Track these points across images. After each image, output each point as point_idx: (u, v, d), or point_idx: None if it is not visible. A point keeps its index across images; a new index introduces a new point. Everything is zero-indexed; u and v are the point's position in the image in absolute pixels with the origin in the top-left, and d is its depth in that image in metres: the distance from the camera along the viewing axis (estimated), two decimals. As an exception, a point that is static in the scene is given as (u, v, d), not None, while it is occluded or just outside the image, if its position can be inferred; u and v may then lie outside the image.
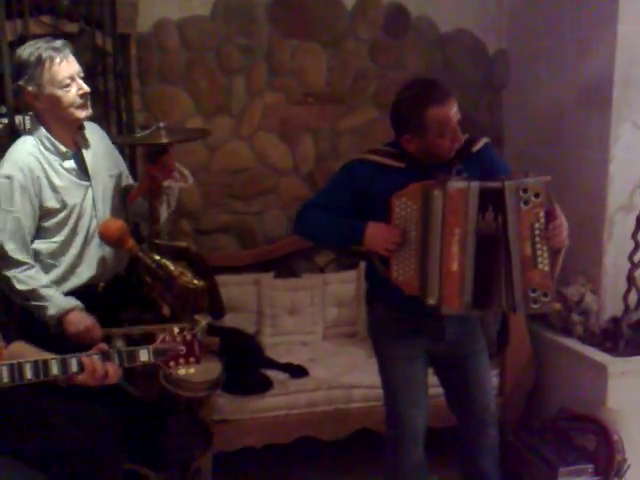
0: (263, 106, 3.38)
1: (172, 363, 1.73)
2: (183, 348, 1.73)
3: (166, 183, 2.16)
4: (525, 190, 1.87)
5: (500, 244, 1.91)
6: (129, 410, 2.04)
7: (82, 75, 2.13)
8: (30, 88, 2.05)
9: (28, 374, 1.58)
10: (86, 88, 2.12)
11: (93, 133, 2.26)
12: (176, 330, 1.74)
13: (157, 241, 2.10)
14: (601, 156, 2.82)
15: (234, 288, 3.17)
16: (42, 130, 2.12)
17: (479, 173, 1.98)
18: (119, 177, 2.31)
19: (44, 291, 2.03)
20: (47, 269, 2.10)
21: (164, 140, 2.05)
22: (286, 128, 3.42)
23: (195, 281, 2.03)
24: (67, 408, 1.87)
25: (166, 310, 1.87)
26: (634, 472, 2.51)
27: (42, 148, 2.10)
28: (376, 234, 1.98)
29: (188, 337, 1.75)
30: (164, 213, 2.22)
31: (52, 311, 2.02)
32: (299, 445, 2.75)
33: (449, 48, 3.54)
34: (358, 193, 2.07)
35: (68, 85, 2.06)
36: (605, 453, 2.50)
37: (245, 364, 2.78)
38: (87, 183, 2.17)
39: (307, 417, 2.73)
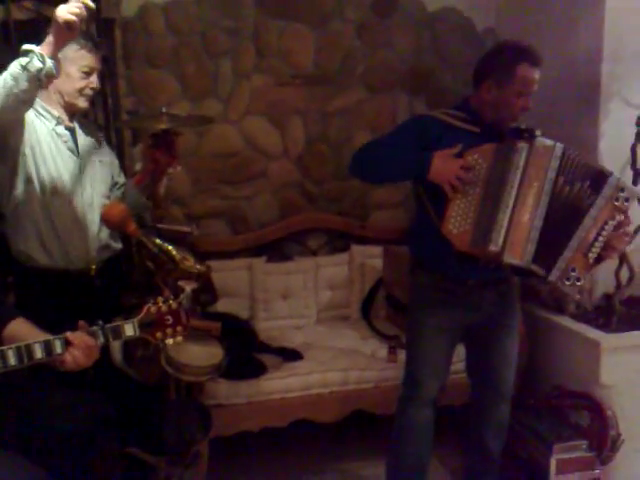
0: (251, 89, 3.35)
1: (159, 334, 1.69)
2: (169, 317, 1.69)
3: (170, 170, 2.18)
4: (623, 190, 2.02)
5: (569, 214, 1.99)
6: (128, 395, 2.03)
7: (97, 77, 2.17)
8: None
9: (12, 360, 1.55)
10: (97, 86, 2.18)
11: (87, 126, 2.27)
12: (161, 300, 1.70)
13: (159, 225, 2.09)
14: (591, 132, 2.81)
15: (227, 273, 3.16)
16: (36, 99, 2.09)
17: None
18: (109, 166, 2.29)
19: None
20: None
21: (167, 125, 2.05)
22: (275, 111, 3.39)
23: (198, 266, 2.02)
24: (56, 396, 1.85)
25: (168, 294, 1.84)
26: (628, 447, 2.53)
27: (33, 115, 2.07)
28: (445, 163, 1.99)
29: (174, 306, 1.71)
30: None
31: None
32: (295, 428, 2.76)
33: (437, 27, 3.52)
34: (425, 147, 2.06)
35: (86, 74, 2.11)
36: (599, 429, 2.51)
37: (239, 349, 2.77)
38: (76, 158, 2.15)
39: (303, 400, 2.73)
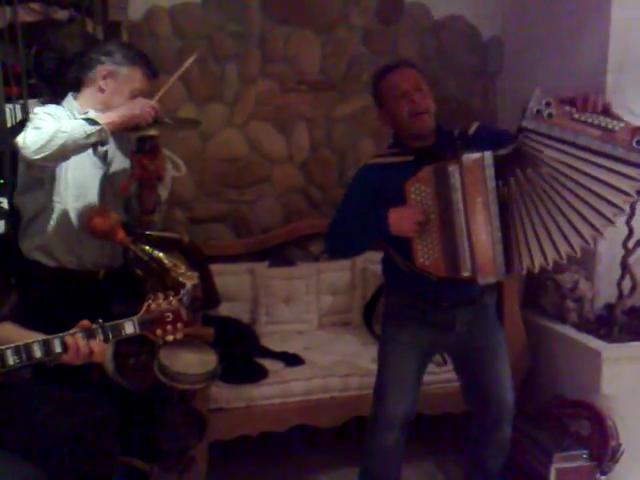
0: (256, 94, 3.36)
1: (159, 331, 1.67)
2: (169, 314, 1.68)
3: (176, 173, 2.22)
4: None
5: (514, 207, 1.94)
6: (122, 402, 2.03)
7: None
8: (108, 66, 2.13)
9: (10, 360, 1.55)
10: None
11: (119, 137, 2.27)
12: (161, 297, 1.69)
13: (149, 232, 2.07)
14: (596, 143, 2.81)
15: (229, 277, 3.16)
16: (73, 102, 2.16)
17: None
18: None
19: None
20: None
21: (152, 132, 2.02)
22: (280, 116, 3.40)
23: (189, 273, 2.00)
24: (59, 397, 1.85)
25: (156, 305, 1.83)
26: (628, 457, 2.53)
27: (67, 119, 2.09)
28: (400, 217, 1.99)
29: (174, 303, 1.69)
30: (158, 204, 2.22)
31: None
32: (295, 433, 2.76)
33: (443, 35, 3.53)
34: (373, 196, 2.10)
35: (134, 95, 2.13)
36: (599, 439, 2.51)
37: (240, 353, 2.77)
38: (102, 166, 2.18)
39: (303, 405, 2.73)
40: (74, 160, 2.06)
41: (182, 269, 2.01)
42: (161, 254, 2.00)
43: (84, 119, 1.91)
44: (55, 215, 2.11)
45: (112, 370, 2.02)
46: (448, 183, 1.93)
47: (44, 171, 2.06)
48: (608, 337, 2.70)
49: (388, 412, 2.21)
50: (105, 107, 2.10)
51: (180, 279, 1.98)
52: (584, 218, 1.89)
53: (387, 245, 2.16)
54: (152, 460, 2.09)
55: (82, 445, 1.77)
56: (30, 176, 2.10)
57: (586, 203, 1.87)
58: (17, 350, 1.56)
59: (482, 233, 1.94)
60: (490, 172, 1.92)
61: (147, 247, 2.01)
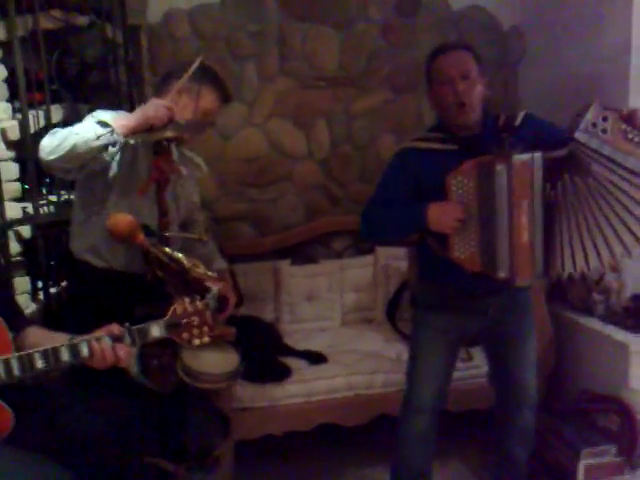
0: (275, 92, 3.37)
1: (185, 335, 1.69)
2: (195, 318, 1.70)
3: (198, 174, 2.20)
4: None
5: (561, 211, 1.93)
6: (147, 403, 2.05)
7: (210, 122, 2.20)
8: (184, 81, 2.09)
9: (39, 363, 1.58)
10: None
11: (184, 156, 2.29)
12: (187, 300, 1.71)
13: (167, 234, 2.08)
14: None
15: (251, 276, 3.18)
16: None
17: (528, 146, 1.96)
18: (180, 199, 2.30)
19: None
20: None
21: (169, 133, 2.02)
22: (299, 113, 3.40)
23: (209, 272, 2.02)
24: (88, 399, 1.87)
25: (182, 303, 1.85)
26: (658, 452, 2.49)
27: None
28: (440, 213, 1.97)
29: (200, 306, 1.71)
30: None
31: None
32: (320, 432, 2.76)
33: (462, 25, 3.49)
34: (413, 181, 2.07)
35: (203, 114, 2.12)
36: (629, 433, 2.48)
37: (264, 352, 2.79)
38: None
39: (327, 404, 2.73)
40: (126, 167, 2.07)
41: (202, 268, 2.02)
42: (180, 255, 2.01)
43: (97, 121, 1.92)
44: (103, 218, 2.10)
45: (137, 372, 2.05)
46: (493, 181, 1.90)
47: (96, 178, 2.07)
48: (636, 329, 2.65)
49: (419, 396, 2.22)
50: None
51: (203, 281, 2.00)
52: (618, 235, 1.89)
53: (425, 232, 2.10)
54: (178, 461, 2.11)
55: (108, 446, 1.80)
56: (81, 180, 2.12)
57: (622, 222, 1.87)
58: (45, 354, 1.59)
59: (524, 235, 1.91)
60: (538, 174, 1.90)
61: (167, 249, 2.02)
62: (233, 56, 3.30)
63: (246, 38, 3.29)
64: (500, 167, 1.88)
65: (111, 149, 1.90)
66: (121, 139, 1.91)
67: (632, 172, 1.84)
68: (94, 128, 1.89)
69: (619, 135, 1.85)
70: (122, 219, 2.00)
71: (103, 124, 1.90)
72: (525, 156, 1.89)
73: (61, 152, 1.89)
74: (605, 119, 1.84)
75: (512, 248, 1.91)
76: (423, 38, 3.44)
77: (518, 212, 1.90)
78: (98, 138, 1.88)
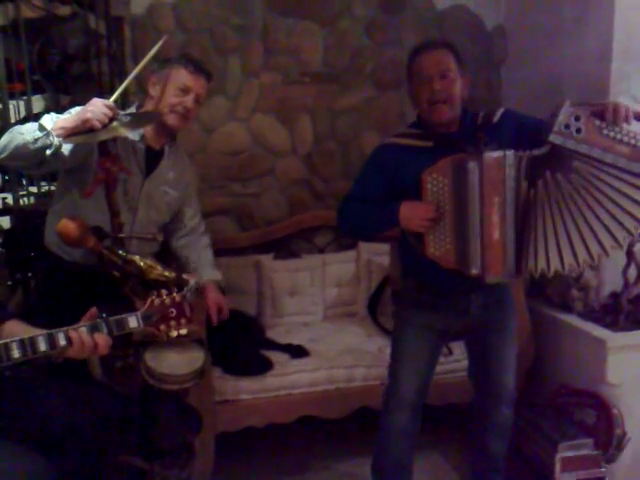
0: (259, 86, 3.36)
1: (163, 327, 1.70)
2: (173, 310, 1.71)
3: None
4: None
5: (537, 210, 1.92)
6: (119, 402, 2.03)
7: (194, 99, 2.18)
8: (154, 77, 2.19)
9: (16, 353, 1.56)
10: (191, 106, 2.17)
11: (179, 160, 2.32)
12: (164, 292, 1.71)
13: (121, 235, 2.04)
14: (600, 131, 2.79)
15: (234, 270, 3.17)
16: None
17: (506, 143, 1.96)
18: (174, 200, 2.34)
19: None
20: None
21: (116, 133, 1.96)
22: (283, 108, 3.40)
23: (166, 273, 1.95)
24: (63, 389, 1.85)
25: (140, 305, 1.81)
26: (633, 446, 2.53)
27: None
28: (411, 212, 1.99)
29: (177, 298, 1.72)
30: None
31: None
32: (301, 424, 2.77)
33: (446, 24, 3.51)
34: (389, 177, 2.09)
35: (181, 91, 2.15)
36: (605, 427, 2.51)
37: (246, 345, 2.79)
38: (142, 177, 2.20)
39: (309, 397, 2.74)
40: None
41: (158, 269, 1.97)
42: (136, 256, 1.96)
43: (38, 124, 1.90)
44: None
45: (100, 374, 2.01)
46: (466, 179, 1.91)
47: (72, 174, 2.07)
48: (613, 326, 2.69)
49: (401, 391, 2.24)
50: (158, 108, 2.14)
51: (163, 283, 1.95)
52: (607, 228, 1.88)
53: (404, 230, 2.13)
54: (151, 458, 2.09)
55: (88, 438, 1.79)
56: (62, 173, 2.12)
57: (610, 214, 1.87)
58: (22, 343, 1.58)
59: (495, 233, 1.92)
60: (510, 172, 1.90)
61: (120, 251, 1.97)
62: (217, 50, 3.29)
63: (230, 32, 3.28)
64: (472, 165, 1.89)
65: (48, 152, 1.87)
66: (56, 142, 1.87)
67: (613, 167, 1.85)
68: (34, 130, 1.89)
69: (594, 132, 1.85)
70: (71, 224, 1.94)
71: (41, 127, 1.89)
72: (497, 154, 1.89)
73: (7, 152, 1.91)
74: (578, 118, 1.84)
75: (483, 245, 1.92)
76: (407, 36, 3.46)
77: (489, 209, 1.91)
78: (35, 141, 1.87)
